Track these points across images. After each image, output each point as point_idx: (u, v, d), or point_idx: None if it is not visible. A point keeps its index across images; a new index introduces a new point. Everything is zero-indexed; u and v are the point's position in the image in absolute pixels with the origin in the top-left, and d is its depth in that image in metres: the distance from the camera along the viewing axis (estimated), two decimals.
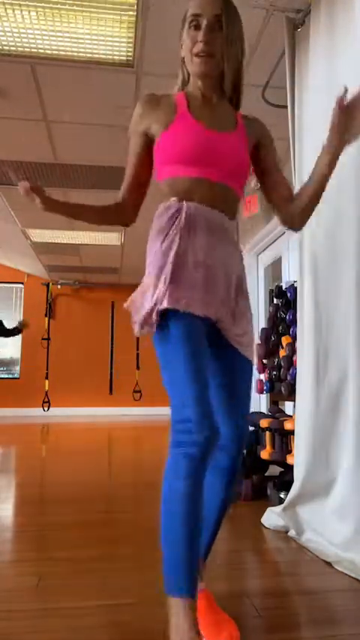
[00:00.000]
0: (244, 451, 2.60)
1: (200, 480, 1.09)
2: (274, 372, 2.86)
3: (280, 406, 3.11)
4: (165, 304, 1.15)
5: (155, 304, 1.17)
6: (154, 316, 1.17)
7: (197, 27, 1.30)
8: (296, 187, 2.26)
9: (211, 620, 1.20)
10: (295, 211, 1.39)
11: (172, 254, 1.21)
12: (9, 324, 5.92)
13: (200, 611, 1.22)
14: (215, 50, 1.30)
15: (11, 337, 5.97)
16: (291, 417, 2.56)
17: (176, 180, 1.30)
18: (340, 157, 1.49)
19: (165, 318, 1.17)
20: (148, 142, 1.36)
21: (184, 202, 1.27)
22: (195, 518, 1.08)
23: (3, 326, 5.85)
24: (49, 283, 8.54)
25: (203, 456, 1.07)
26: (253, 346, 1.35)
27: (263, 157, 1.45)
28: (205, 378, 1.15)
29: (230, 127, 1.36)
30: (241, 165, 1.34)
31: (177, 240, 1.22)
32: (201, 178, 1.28)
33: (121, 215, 1.45)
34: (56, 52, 2.70)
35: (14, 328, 5.92)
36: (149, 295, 1.20)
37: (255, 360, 1.46)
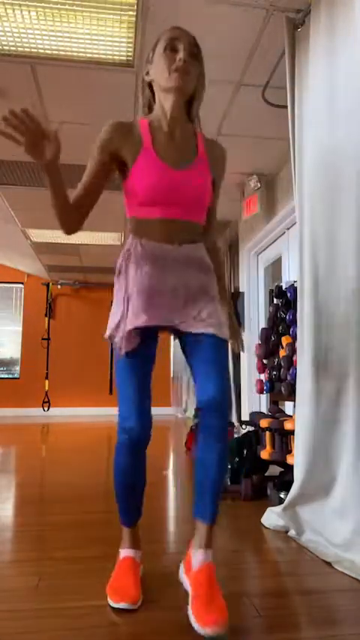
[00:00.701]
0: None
1: (133, 457, 1.47)
2: (274, 372, 2.86)
3: (280, 406, 3.11)
4: (109, 333, 1.47)
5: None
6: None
7: (174, 50, 1.42)
8: (295, 187, 2.26)
9: (203, 602, 1.26)
10: (205, 239, 1.61)
11: (123, 293, 1.48)
12: (10, 325, 5.34)
13: (198, 587, 1.31)
14: (191, 70, 1.43)
15: None
16: (291, 417, 2.56)
17: (138, 221, 1.48)
18: (337, 153, 1.53)
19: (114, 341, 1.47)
20: (112, 164, 1.48)
21: (136, 241, 1.48)
22: (128, 481, 1.52)
23: None
24: (49, 283, 8.54)
25: (133, 441, 1.43)
26: (221, 327, 1.46)
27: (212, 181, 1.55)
28: (139, 384, 1.44)
29: (192, 158, 1.48)
30: (201, 198, 1.48)
31: (128, 281, 1.47)
32: (160, 219, 1.45)
33: (73, 213, 1.49)
34: (56, 52, 2.70)
35: None
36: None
37: (244, 348, 1.68)
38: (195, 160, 1.48)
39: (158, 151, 1.44)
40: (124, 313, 1.43)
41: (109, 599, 1.42)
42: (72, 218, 1.48)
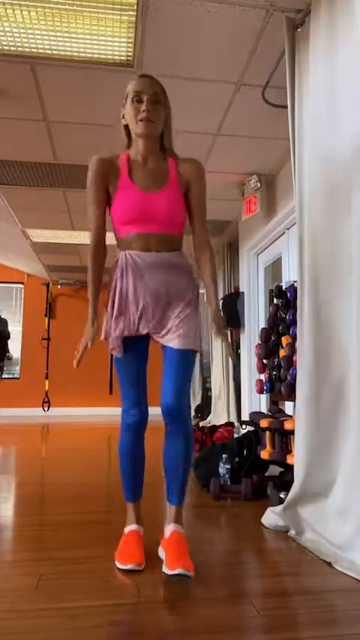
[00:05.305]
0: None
1: (133, 438, 1.78)
2: (274, 372, 2.86)
3: (280, 406, 3.11)
4: (103, 335, 1.77)
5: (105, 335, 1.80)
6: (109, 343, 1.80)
7: (139, 101, 1.68)
8: (295, 187, 2.26)
9: (172, 556, 1.56)
10: (194, 238, 1.84)
11: (111, 303, 1.75)
12: (10, 325, 5.58)
13: (168, 547, 1.62)
14: (154, 117, 1.68)
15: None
16: (291, 417, 2.56)
17: (121, 237, 1.77)
18: (337, 153, 1.56)
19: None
20: (107, 194, 1.77)
21: (121, 254, 1.76)
22: (130, 459, 1.79)
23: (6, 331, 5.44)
24: (49, 283, 8.53)
25: (132, 425, 1.77)
26: (187, 338, 1.70)
27: (190, 196, 1.79)
28: (134, 380, 1.77)
29: (163, 182, 1.73)
30: (173, 215, 1.72)
31: (116, 289, 1.73)
32: (139, 233, 1.72)
33: (104, 247, 1.85)
34: (56, 52, 2.70)
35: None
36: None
37: (200, 348, 1.90)
38: (167, 183, 1.73)
39: (134, 178, 1.72)
40: (109, 321, 1.74)
41: (117, 562, 1.66)
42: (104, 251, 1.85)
